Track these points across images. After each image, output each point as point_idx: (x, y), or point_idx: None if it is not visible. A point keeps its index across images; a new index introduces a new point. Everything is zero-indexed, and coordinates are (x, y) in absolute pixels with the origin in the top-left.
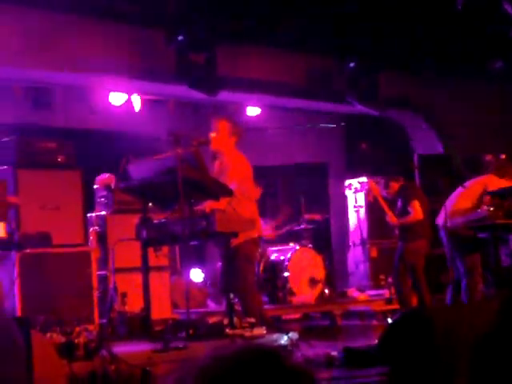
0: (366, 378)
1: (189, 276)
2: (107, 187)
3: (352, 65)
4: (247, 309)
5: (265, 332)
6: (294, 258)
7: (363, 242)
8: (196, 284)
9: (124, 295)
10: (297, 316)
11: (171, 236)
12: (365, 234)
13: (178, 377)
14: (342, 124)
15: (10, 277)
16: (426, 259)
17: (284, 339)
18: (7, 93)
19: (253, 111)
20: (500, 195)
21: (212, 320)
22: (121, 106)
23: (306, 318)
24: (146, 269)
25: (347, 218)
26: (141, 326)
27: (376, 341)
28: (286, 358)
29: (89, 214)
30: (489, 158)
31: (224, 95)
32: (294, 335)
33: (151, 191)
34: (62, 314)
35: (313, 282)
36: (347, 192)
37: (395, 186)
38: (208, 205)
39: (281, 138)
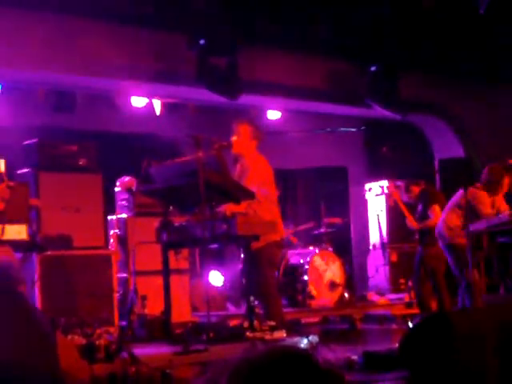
0: (386, 382)
1: (208, 279)
2: (128, 190)
3: (373, 68)
4: (269, 312)
5: (285, 335)
6: (313, 262)
7: (383, 246)
8: (215, 287)
9: (144, 298)
10: (316, 320)
11: (192, 239)
12: (385, 238)
13: (209, 378)
14: (363, 128)
15: (31, 279)
16: (446, 263)
17: (304, 343)
18: (29, 96)
19: (273, 115)
20: None
21: (232, 323)
22: (142, 109)
23: (326, 322)
24: (166, 272)
25: (367, 222)
26: (161, 329)
27: (396, 345)
28: (317, 359)
29: (109, 217)
30: (485, 169)
31: (244, 99)
32: (314, 338)
33: (172, 194)
34: (82, 315)
35: (332, 285)
36: (367, 196)
37: (416, 189)
38: (228, 208)
39: (301, 141)
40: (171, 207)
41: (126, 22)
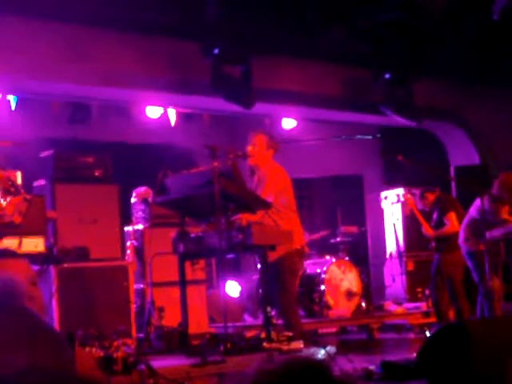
0: None
1: (225, 289)
2: (144, 201)
3: (388, 75)
4: (289, 322)
5: (302, 346)
6: (330, 271)
7: (400, 255)
8: (232, 298)
9: (161, 309)
10: (333, 330)
11: (208, 249)
12: (401, 247)
13: None
14: (378, 135)
15: (48, 291)
16: (464, 271)
17: (321, 353)
18: (44, 108)
19: (288, 123)
20: None
21: (249, 334)
22: (157, 119)
23: (343, 332)
24: (183, 282)
25: (384, 231)
26: (178, 341)
27: (414, 354)
28: (333, 371)
29: (126, 228)
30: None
31: (259, 108)
32: (331, 349)
33: (188, 205)
34: (100, 327)
35: (349, 295)
36: (383, 204)
37: (431, 197)
38: (244, 217)
39: (316, 150)
40: (187, 218)
41: (140, 32)
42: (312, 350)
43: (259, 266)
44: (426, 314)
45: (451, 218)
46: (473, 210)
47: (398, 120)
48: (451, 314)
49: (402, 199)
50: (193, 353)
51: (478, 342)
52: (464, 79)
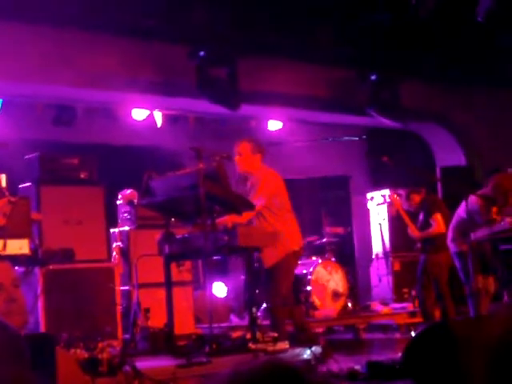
0: None
1: (212, 290)
2: (130, 203)
3: (373, 77)
4: (276, 322)
5: (288, 346)
6: (316, 272)
7: (386, 255)
8: (219, 298)
9: (147, 310)
10: (320, 330)
11: (194, 251)
12: (388, 247)
13: None
14: (364, 137)
15: (33, 293)
16: (449, 271)
17: (307, 353)
18: (29, 110)
19: (274, 125)
20: None
21: (235, 334)
22: (143, 121)
23: (330, 332)
24: (168, 284)
25: (370, 231)
26: (164, 342)
27: (399, 354)
28: (305, 373)
29: (112, 230)
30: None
31: (245, 109)
32: (317, 349)
33: (173, 207)
34: (85, 329)
35: (336, 295)
36: (369, 205)
37: (416, 198)
38: (229, 219)
39: (302, 151)
40: (173, 219)
41: (125, 35)
42: (297, 350)
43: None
44: (412, 314)
45: (437, 218)
46: (461, 210)
47: (384, 121)
48: (437, 314)
49: (388, 200)
50: (178, 354)
51: (463, 342)
52: (450, 80)
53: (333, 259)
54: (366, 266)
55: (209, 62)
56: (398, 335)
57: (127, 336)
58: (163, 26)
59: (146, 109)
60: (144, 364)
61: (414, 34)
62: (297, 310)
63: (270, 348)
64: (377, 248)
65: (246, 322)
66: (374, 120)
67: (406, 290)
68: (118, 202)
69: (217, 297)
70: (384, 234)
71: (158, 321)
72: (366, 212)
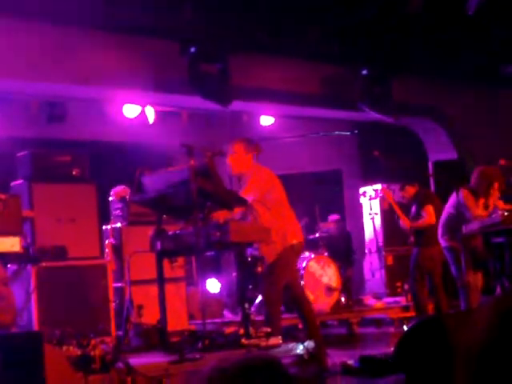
0: None
1: (205, 286)
2: (122, 199)
3: (365, 72)
4: (269, 317)
5: (280, 341)
6: (309, 267)
7: (379, 250)
8: (212, 294)
9: (140, 307)
10: None
11: (186, 247)
12: (380, 242)
13: None
14: (356, 131)
15: (26, 290)
16: (442, 265)
17: (300, 348)
18: (21, 107)
19: (266, 121)
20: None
21: (228, 330)
22: (135, 118)
23: (323, 327)
24: (161, 280)
25: (362, 226)
26: (157, 338)
27: (392, 348)
28: (286, 368)
29: (104, 227)
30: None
31: (237, 105)
32: (310, 344)
33: (165, 203)
34: (78, 326)
35: (329, 290)
36: (362, 199)
37: (411, 190)
38: (222, 215)
39: (295, 146)
40: (165, 216)
41: (116, 31)
42: (290, 345)
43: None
44: (406, 308)
45: (429, 210)
46: (449, 206)
47: (376, 116)
48: (430, 308)
49: (380, 194)
50: (171, 350)
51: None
52: (441, 75)
53: (325, 254)
54: (358, 260)
55: (200, 58)
56: (391, 329)
57: (120, 333)
58: (155, 23)
59: (138, 105)
60: (137, 360)
61: (406, 29)
62: (307, 306)
63: (263, 343)
64: (369, 242)
65: (239, 317)
66: (366, 115)
67: (398, 284)
68: (110, 199)
69: (210, 293)
70: (376, 229)
71: (150, 317)
72: (359, 206)
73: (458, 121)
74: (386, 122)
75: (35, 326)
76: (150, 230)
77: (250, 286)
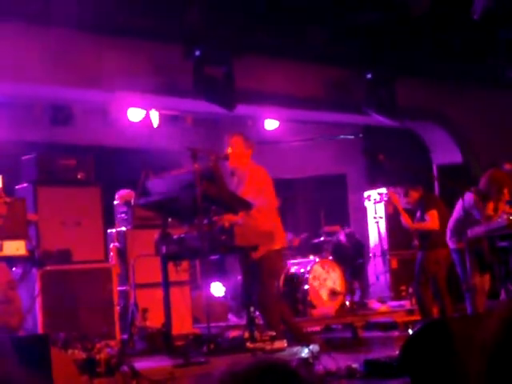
0: None
1: (209, 290)
2: (127, 203)
3: (370, 75)
4: (268, 322)
5: (285, 345)
6: (314, 271)
7: (383, 253)
8: (217, 298)
9: (145, 311)
10: (318, 328)
11: (191, 251)
12: (385, 245)
13: None
14: (360, 135)
15: (31, 294)
16: (447, 269)
17: (305, 352)
18: (26, 111)
19: (271, 124)
20: None
21: (233, 334)
22: (139, 121)
23: (327, 331)
24: (166, 284)
25: (367, 230)
26: (162, 342)
27: (397, 352)
28: (299, 372)
29: (109, 230)
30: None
31: (242, 109)
32: (315, 348)
33: (170, 207)
34: (83, 330)
35: (333, 294)
36: (367, 203)
37: (415, 194)
38: (226, 218)
39: (299, 150)
40: (170, 219)
41: (122, 35)
42: (295, 348)
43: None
44: (410, 312)
45: (433, 215)
46: (458, 208)
47: (381, 120)
48: (435, 312)
49: (385, 198)
50: (176, 354)
51: (460, 340)
52: (446, 79)
53: (330, 258)
54: (363, 264)
55: (205, 62)
56: (396, 333)
57: (125, 336)
58: (159, 26)
59: (143, 109)
60: (142, 364)
61: (411, 32)
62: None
63: (268, 347)
64: (374, 246)
65: (244, 321)
66: (371, 118)
67: (403, 288)
68: (115, 203)
69: (214, 296)
70: (381, 232)
71: (155, 321)
72: (363, 210)
73: (463, 124)
74: (390, 126)
75: (40, 330)
76: (155, 234)
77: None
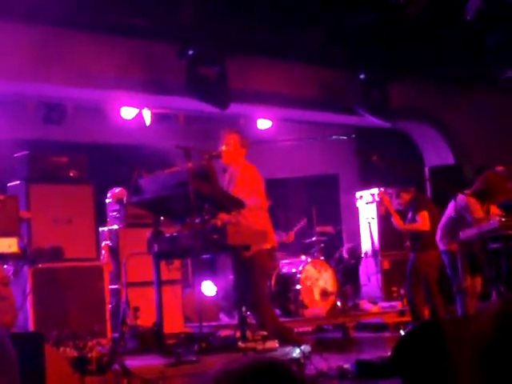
0: None
1: (201, 289)
2: (119, 201)
3: (362, 76)
4: (260, 321)
5: (277, 345)
6: (305, 271)
7: (375, 254)
8: (208, 297)
9: (136, 309)
10: (309, 329)
11: (183, 249)
12: (377, 246)
13: None
14: (353, 136)
15: (22, 291)
16: (438, 270)
17: (296, 352)
18: (19, 109)
19: (264, 124)
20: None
21: (224, 333)
22: (132, 120)
23: (319, 331)
24: (158, 282)
25: (359, 230)
26: (153, 340)
27: (388, 353)
28: (295, 371)
29: (101, 228)
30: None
31: (235, 108)
32: (306, 348)
33: (162, 205)
34: (74, 328)
35: (325, 294)
36: (359, 204)
37: (406, 196)
38: (219, 217)
39: (292, 150)
40: (162, 218)
41: (115, 33)
42: (287, 349)
43: (233, 265)
44: (402, 313)
45: (423, 216)
46: (450, 210)
47: (373, 121)
48: (426, 313)
49: (377, 199)
50: (167, 352)
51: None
52: (438, 80)
53: (322, 258)
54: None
55: (198, 61)
56: (387, 334)
57: (116, 335)
58: (153, 25)
59: (135, 107)
60: (133, 363)
61: (403, 34)
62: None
63: (260, 347)
64: (366, 247)
65: (235, 320)
66: (363, 119)
67: (395, 289)
68: (107, 201)
69: (206, 295)
70: (373, 233)
71: (147, 319)
72: (355, 211)
73: (455, 126)
74: (382, 127)
75: (31, 327)
76: (147, 232)
77: None
